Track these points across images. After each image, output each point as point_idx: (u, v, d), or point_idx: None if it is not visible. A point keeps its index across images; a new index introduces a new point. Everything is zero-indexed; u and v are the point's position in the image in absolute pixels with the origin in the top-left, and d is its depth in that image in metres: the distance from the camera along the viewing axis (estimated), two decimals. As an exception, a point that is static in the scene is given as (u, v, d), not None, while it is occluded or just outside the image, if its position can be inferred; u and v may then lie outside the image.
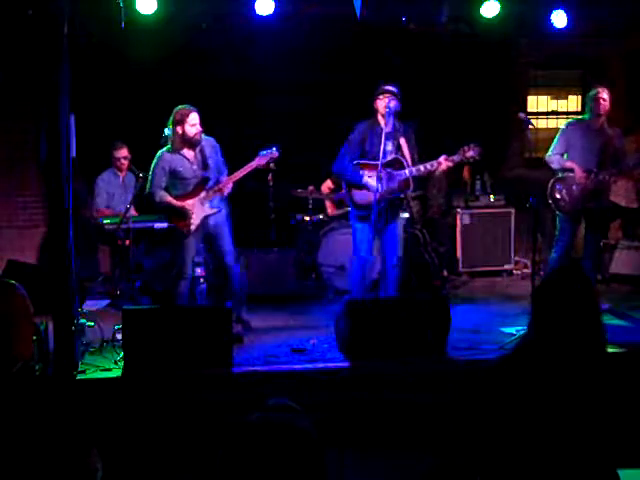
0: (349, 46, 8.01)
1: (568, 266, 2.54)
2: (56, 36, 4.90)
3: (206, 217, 5.88)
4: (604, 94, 6.37)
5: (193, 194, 5.87)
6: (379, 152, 5.80)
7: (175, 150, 5.83)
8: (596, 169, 6.31)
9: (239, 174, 5.88)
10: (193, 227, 5.84)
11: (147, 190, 5.93)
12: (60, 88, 4.90)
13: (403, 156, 5.99)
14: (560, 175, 6.46)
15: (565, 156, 6.46)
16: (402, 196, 6.10)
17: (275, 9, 6.25)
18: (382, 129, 5.91)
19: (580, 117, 6.67)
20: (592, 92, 6.47)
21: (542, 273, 6.86)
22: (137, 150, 7.29)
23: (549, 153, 6.55)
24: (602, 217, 6.60)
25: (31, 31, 5.47)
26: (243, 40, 7.45)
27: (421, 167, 5.91)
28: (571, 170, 6.34)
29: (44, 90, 4.95)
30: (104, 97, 7.72)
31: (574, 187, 6.33)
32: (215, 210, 5.88)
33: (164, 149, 5.87)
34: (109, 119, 7.70)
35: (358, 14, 5.92)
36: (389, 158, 5.94)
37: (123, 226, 6.30)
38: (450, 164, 5.87)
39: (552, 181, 6.49)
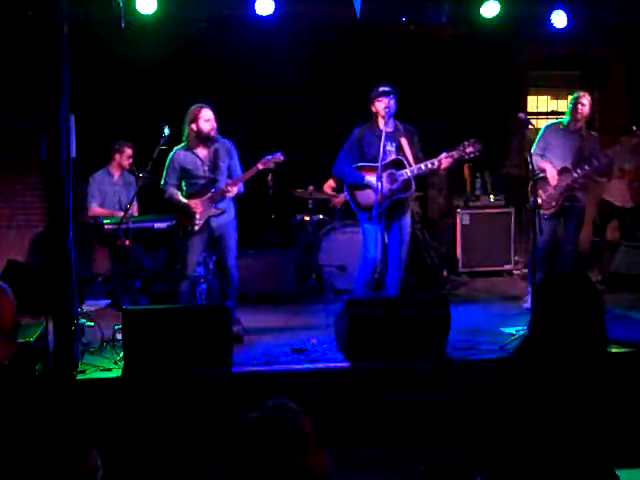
0: (349, 46, 8.01)
1: (572, 270, 2.55)
2: (56, 36, 4.90)
3: (210, 218, 5.92)
4: (584, 99, 6.53)
5: (200, 194, 5.93)
6: (379, 153, 5.78)
7: (189, 147, 5.91)
8: (570, 168, 6.47)
9: (243, 177, 5.95)
10: (197, 227, 5.90)
11: (161, 186, 6.03)
12: (60, 88, 4.90)
13: (405, 156, 5.95)
14: (537, 176, 6.49)
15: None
16: (405, 197, 6.00)
17: (275, 9, 6.26)
18: (381, 130, 5.88)
19: (560, 120, 6.76)
20: (574, 95, 6.62)
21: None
22: (136, 150, 7.29)
23: (531, 152, 6.60)
24: (578, 215, 6.65)
25: (31, 31, 5.47)
26: (243, 40, 7.45)
27: (422, 166, 5.87)
28: (544, 171, 6.44)
29: (44, 90, 4.95)
30: (104, 97, 7.73)
31: (549, 187, 6.44)
32: (219, 211, 5.93)
33: (178, 146, 5.95)
34: (109, 119, 7.71)
35: (358, 14, 5.93)
36: (390, 159, 5.91)
37: (123, 226, 6.30)
38: (450, 160, 5.82)
39: (531, 182, 6.51)
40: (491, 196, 8.56)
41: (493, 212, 8.45)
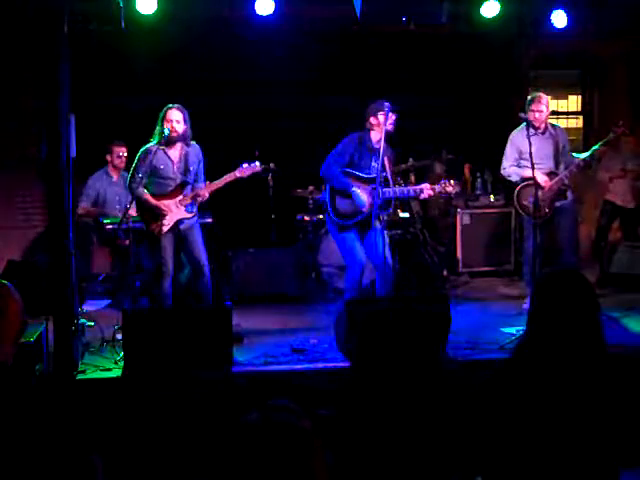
0: (349, 46, 8.01)
1: (567, 269, 2.54)
2: (56, 36, 4.91)
3: (179, 220, 5.91)
4: (539, 105, 6.44)
5: (170, 196, 5.91)
6: (368, 167, 5.86)
7: (160, 147, 5.82)
8: (555, 170, 6.43)
9: (218, 184, 5.91)
10: (165, 228, 5.88)
11: (127, 182, 5.96)
12: (60, 88, 4.90)
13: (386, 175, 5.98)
14: (522, 184, 6.45)
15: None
16: (382, 214, 5.97)
17: (275, 9, 6.26)
18: (375, 144, 5.87)
19: (522, 125, 6.42)
20: (530, 98, 6.52)
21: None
22: (136, 150, 7.28)
23: (503, 166, 6.62)
24: (569, 214, 6.60)
25: (31, 31, 5.47)
26: (243, 40, 7.45)
27: (405, 190, 6.02)
28: (531, 178, 6.05)
29: (44, 90, 4.95)
30: (104, 97, 7.72)
31: (540, 192, 6.11)
32: (190, 215, 5.92)
33: (149, 144, 5.85)
34: (108, 119, 7.71)
35: (358, 14, 5.93)
36: (374, 175, 5.86)
37: (123, 226, 6.29)
38: (431, 193, 5.97)
39: (517, 190, 6.50)
40: (491, 196, 8.56)
41: (493, 212, 8.45)
